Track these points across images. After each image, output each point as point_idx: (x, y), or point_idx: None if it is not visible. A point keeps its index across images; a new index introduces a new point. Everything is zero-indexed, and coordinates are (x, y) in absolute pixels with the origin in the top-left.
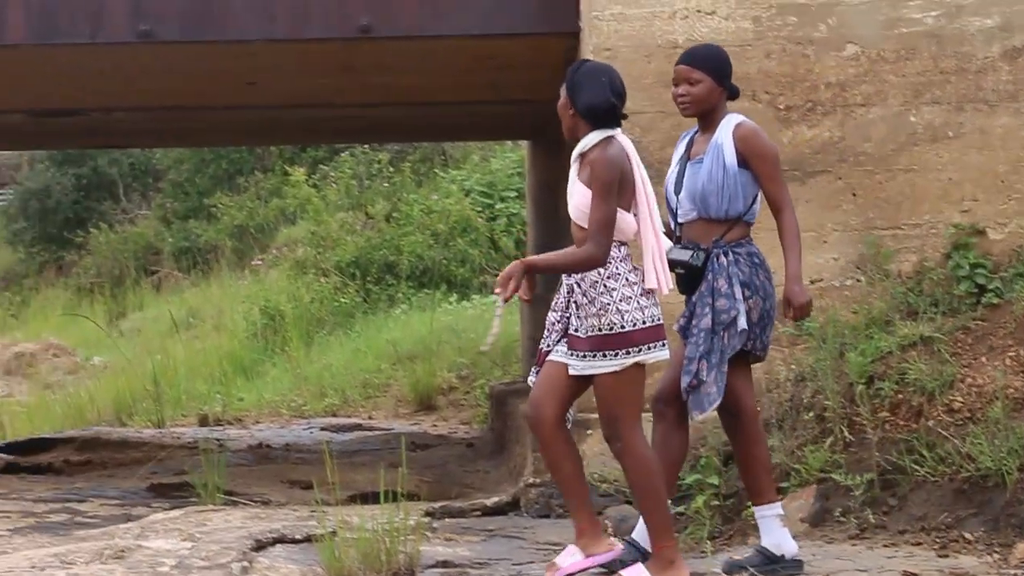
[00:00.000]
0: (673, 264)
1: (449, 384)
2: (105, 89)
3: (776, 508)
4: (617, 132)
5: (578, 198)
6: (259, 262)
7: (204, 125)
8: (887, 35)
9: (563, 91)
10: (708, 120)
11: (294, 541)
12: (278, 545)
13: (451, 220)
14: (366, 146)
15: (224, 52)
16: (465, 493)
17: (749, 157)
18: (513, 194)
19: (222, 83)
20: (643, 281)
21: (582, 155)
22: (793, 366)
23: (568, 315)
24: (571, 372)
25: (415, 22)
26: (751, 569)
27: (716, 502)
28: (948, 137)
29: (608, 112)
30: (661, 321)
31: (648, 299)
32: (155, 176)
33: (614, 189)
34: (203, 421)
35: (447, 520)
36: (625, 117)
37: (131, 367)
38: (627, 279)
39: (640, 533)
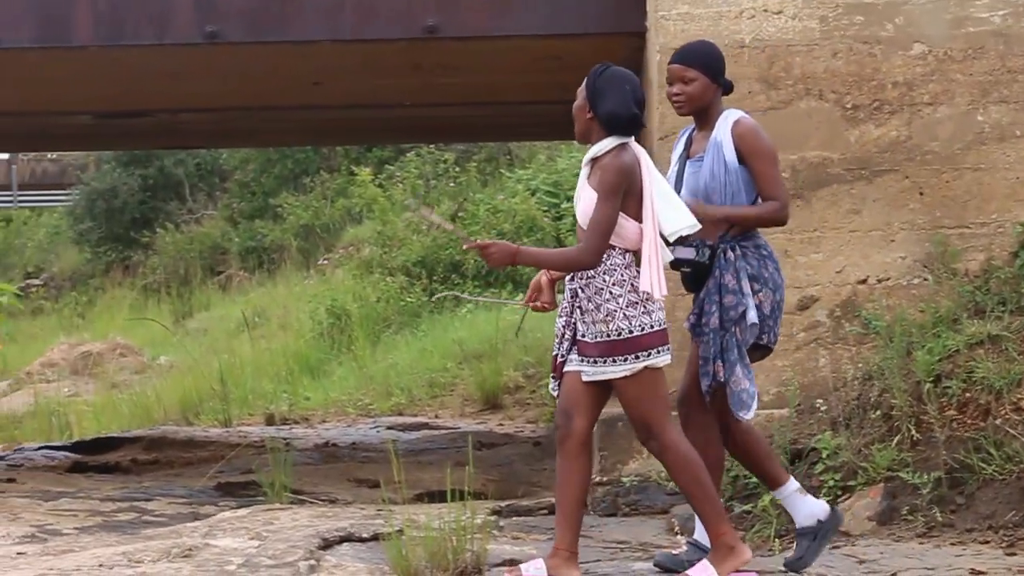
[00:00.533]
0: (679, 263)
1: (515, 383)
2: (171, 90)
3: (792, 485)
4: (631, 140)
5: (585, 203)
6: (325, 261)
7: (270, 125)
8: (954, 34)
9: (581, 93)
10: (704, 117)
11: (361, 540)
12: (345, 544)
13: (517, 220)
14: (432, 146)
15: (290, 52)
16: (531, 492)
17: (746, 155)
18: None
19: (288, 83)
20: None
21: (594, 160)
22: (860, 364)
23: (574, 320)
24: (584, 378)
25: (481, 22)
26: (807, 556)
27: None
28: (1016, 136)
29: (630, 122)
30: (666, 325)
31: (653, 303)
32: (221, 176)
33: (619, 194)
34: (270, 420)
35: (514, 519)
36: (643, 126)
37: (198, 366)
38: (632, 285)
39: (701, 533)
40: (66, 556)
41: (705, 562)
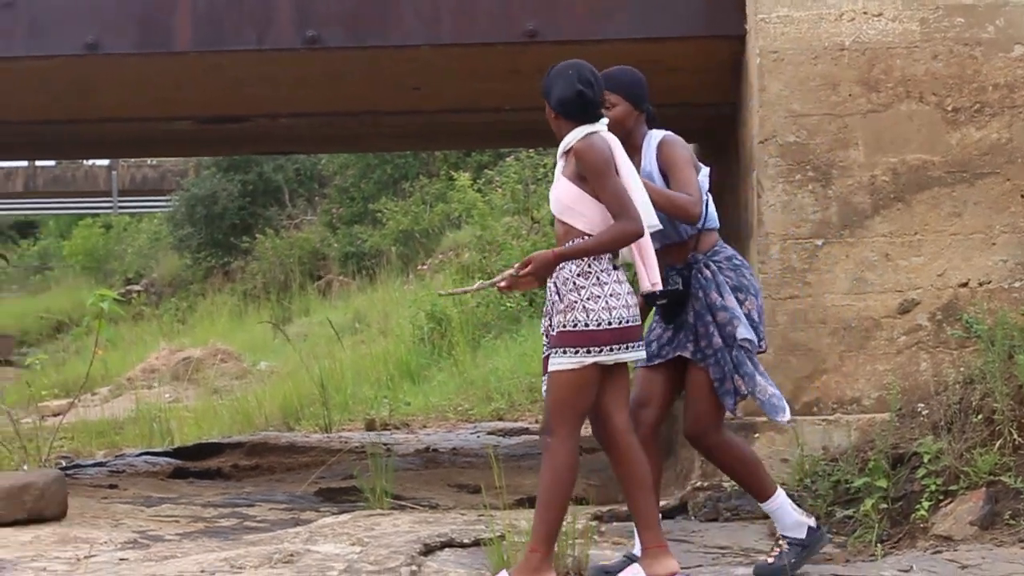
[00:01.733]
0: (654, 298)
1: None
2: (271, 95)
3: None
4: (600, 128)
5: (559, 191)
6: (425, 267)
7: (369, 130)
8: None
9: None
10: (629, 143)
11: (462, 545)
12: (446, 549)
13: None
14: (531, 150)
15: (389, 57)
16: None
17: (666, 169)
18: None
19: (387, 88)
20: (617, 279)
21: (566, 152)
22: (962, 368)
23: (550, 317)
24: (550, 368)
25: (581, 26)
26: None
27: (884, 505)
28: None
29: (576, 101)
30: (632, 323)
31: (618, 300)
32: (320, 182)
33: (611, 167)
34: (370, 426)
35: (614, 524)
36: (598, 106)
37: (298, 372)
38: (598, 278)
39: (785, 527)
40: (168, 562)
41: (504, 573)
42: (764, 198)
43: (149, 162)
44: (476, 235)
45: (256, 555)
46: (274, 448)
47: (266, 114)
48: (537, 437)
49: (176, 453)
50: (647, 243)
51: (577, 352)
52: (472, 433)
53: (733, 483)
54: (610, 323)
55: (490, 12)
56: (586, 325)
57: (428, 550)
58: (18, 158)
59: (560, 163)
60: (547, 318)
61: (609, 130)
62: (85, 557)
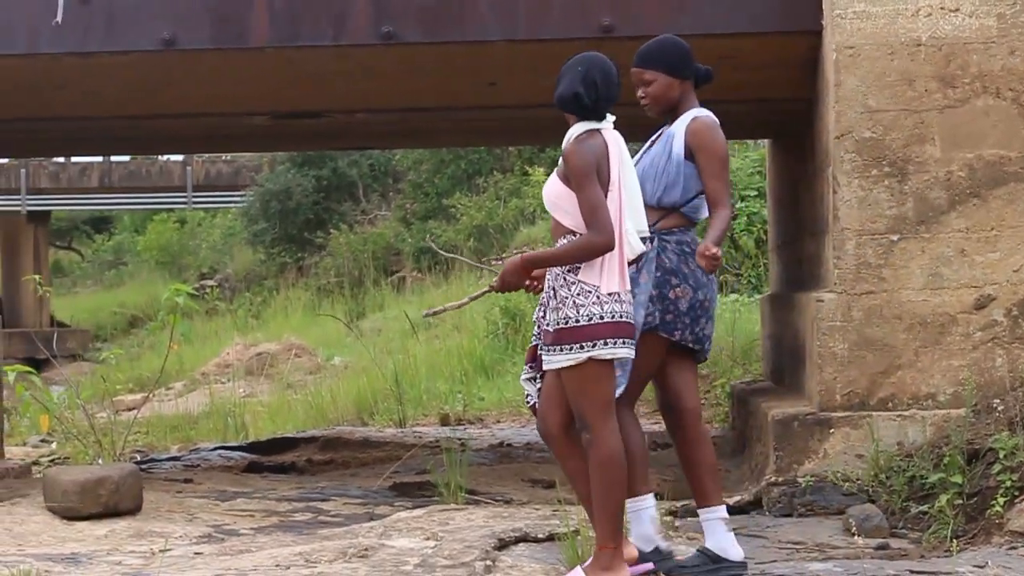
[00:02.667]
0: None
1: None
2: (347, 90)
3: (720, 511)
4: (603, 126)
5: (548, 187)
6: (499, 261)
7: (445, 126)
8: None
9: None
10: (674, 115)
11: (537, 540)
12: (520, 544)
13: None
14: None
15: (465, 52)
16: None
17: (695, 150)
18: (753, 193)
19: (463, 83)
20: (603, 285)
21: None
22: None
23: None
24: (544, 368)
25: (656, 22)
26: (692, 570)
27: (960, 501)
28: None
29: (571, 101)
30: (625, 319)
31: (610, 294)
32: (395, 177)
33: (592, 175)
34: (444, 420)
35: (689, 519)
36: (595, 106)
37: (372, 367)
38: (587, 273)
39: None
40: (243, 556)
41: (578, 571)
42: (840, 193)
43: (224, 157)
44: (550, 230)
45: (331, 549)
46: (348, 443)
47: (342, 109)
48: None
49: (250, 448)
50: (624, 243)
51: (572, 348)
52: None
53: (807, 478)
54: (602, 317)
55: (565, 7)
56: (577, 321)
57: (502, 545)
58: (94, 153)
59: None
60: (541, 308)
61: (652, 107)
62: (160, 551)
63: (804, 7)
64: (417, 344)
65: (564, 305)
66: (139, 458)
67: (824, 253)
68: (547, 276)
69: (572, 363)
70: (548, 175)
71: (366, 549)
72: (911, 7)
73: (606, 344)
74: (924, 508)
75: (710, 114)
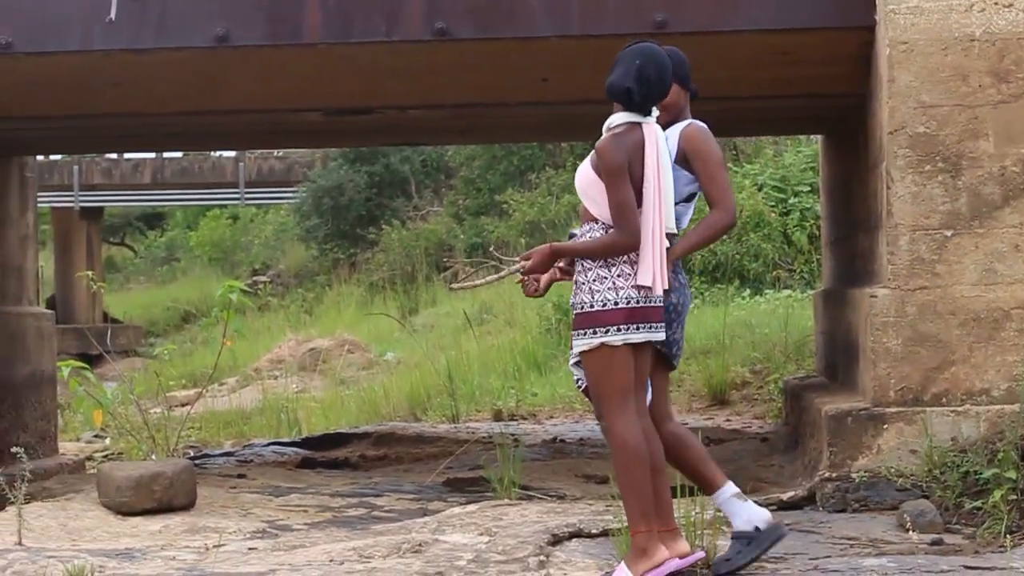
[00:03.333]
0: None
1: (743, 379)
2: (400, 86)
3: (730, 488)
4: (646, 120)
5: (581, 173)
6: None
7: (498, 122)
8: None
9: None
10: (673, 124)
11: (590, 535)
12: (574, 539)
13: (744, 215)
14: None
15: (518, 48)
16: (760, 487)
17: (690, 155)
18: (806, 188)
19: (516, 80)
20: (636, 276)
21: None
22: None
23: None
24: (572, 358)
25: (710, 17)
26: (736, 559)
27: (1014, 496)
28: None
29: (622, 94)
30: (644, 304)
31: (627, 280)
32: (447, 173)
33: (623, 174)
34: (497, 416)
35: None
36: (645, 102)
37: (425, 362)
38: (605, 260)
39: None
40: (297, 551)
41: (622, 565)
42: (893, 189)
43: (276, 153)
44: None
45: (385, 545)
46: (401, 438)
47: (394, 105)
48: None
49: (303, 443)
50: (659, 243)
51: (585, 334)
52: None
53: (861, 473)
54: (616, 303)
55: (619, 3)
56: (591, 306)
57: (556, 540)
58: (147, 150)
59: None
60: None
61: (663, 115)
62: (214, 546)
63: (857, 3)
64: (470, 340)
65: (581, 291)
66: (192, 454)
67: (878, 249)
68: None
69: (587, 348)
70: None
71: (420, 544)
72: (964, 2)
73: (620, 331)
74: (978, 504)
75: (703, 123)
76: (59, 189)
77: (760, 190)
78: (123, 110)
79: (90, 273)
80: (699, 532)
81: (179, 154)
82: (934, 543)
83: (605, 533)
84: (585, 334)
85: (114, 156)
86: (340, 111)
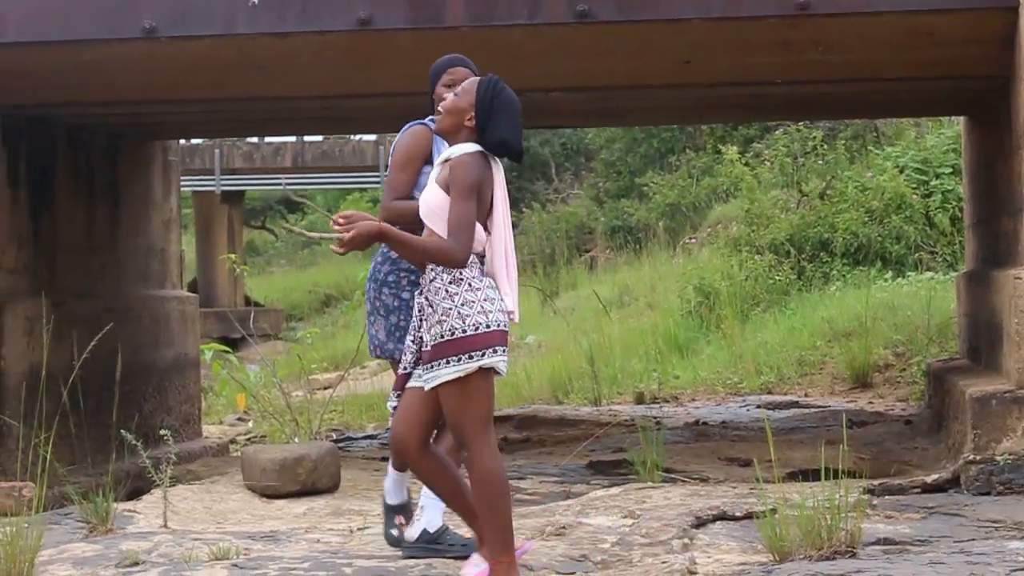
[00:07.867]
0: None
1: (885, 361)
2: (542, 70)
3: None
4: (485, 152)
5: (428, 196)
6: (692, 240)
7: (639, 104)
8: None
9: (466, 96)
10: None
11: (734, 518)
12: (718, 522)
13: (885, 197)
14: (800, 123)
15: (660, 30)
16: (904, 470)
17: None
18: (948, 170)
19: (658, 62)
20: (501, 300)
21: (444, 161)
22: None
23: (421, 333)
24: (426, 388)
25: None
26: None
27: None
28: None
29: (515, 153)
30: (505, 327)
31: (492, 304)
32: (587, 156)
33: (474, 193)
34: (639, 399)
35: (886, 497)
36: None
37: (566, 345)
38: (471, 284)
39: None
40: None
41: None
42: None
43: None
44: (744, 208)
45: (528, 527)
46: (544, 421)
47: (536, 88)
48: (806, 411)
49: None
50: (512, 270)
51: (460, 359)
52: (741, 406)
53: (1006, 456)
54: (488, 326)
55: None
56: (463, 332)
57: (700, 523)
58: (288, 133)
59: (437, 169)
60: (412, 334)
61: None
62: (358, 529)
63: None
64: (611, 323)
65: (449, 316)
66: (335, 437)
67: (1021, 230)
68: (424, 294)
69: (461, 374)
70: (741, 153)
71: (563, 527)
72: None
73: (495, 353)
74: None
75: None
76: (200, 173)
77: (902, 172)
78: (265, 94)
79: (232, 257)
80: (844, 515)
81: (319, 137)
82: None
83: (749, 516)
84: (460, 360)
85: (255, 140)
86: None
